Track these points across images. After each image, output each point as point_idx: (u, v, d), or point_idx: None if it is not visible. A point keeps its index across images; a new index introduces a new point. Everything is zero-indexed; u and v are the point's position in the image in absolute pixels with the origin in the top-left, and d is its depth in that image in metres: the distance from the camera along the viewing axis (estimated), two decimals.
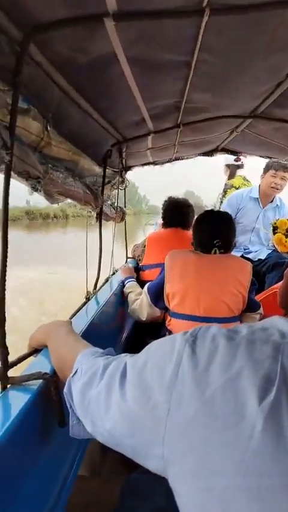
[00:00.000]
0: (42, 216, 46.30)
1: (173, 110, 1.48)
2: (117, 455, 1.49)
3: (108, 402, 0.58)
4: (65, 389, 0.71)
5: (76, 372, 0.70)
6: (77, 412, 0.69)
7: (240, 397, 0.41)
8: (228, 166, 3.72)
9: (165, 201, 2.45)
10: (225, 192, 3.61)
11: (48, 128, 0.98)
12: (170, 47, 0.92)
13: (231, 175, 3.69)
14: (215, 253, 1.57)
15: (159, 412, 0.47)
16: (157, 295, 1.67)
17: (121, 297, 1.99)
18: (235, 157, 3.45)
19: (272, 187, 2.92)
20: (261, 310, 1.68)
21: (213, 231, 1.61)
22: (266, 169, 2.91)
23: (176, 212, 2.38)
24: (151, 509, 0.77)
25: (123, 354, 0.66)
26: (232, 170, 3.70)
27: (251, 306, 1.60)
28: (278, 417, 0.39)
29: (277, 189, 2.92)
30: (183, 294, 1.55)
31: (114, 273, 2.32)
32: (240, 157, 3.44)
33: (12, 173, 0.80)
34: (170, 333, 1.64)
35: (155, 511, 0.77)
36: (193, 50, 0.93)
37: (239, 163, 3.67)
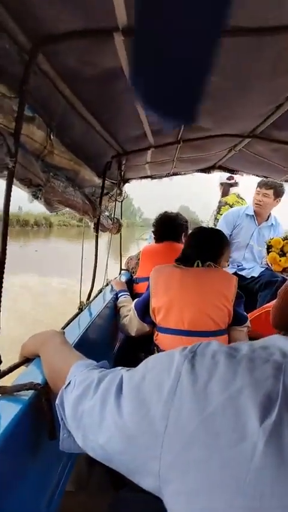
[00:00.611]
0: (20, 223, 40.51)
1: (174, 126, 1.50)
2: (104, 471, 1.48)
3: (102, 416, 0.56)
4: (57, 401, 0.69)
5: (69, 383, 0.69)
6: (69, 425, 0.67)
7: (241, 416, 0.40)
8: (222, 184, 3.77)
9: (157, 216, 2.46)
10: (219, 209, 3.65)
11: (52, 137, 0.98)
12: None
13: (225, 193, 3.74)
14: (197, 266, 1.57)
15: (156, 428, 0.46)
16: (144, 311, 1.66)
17: (114, 309, 1.97)
18: (228, 175, 3.53)
19: (255, 204, 2.99)
20: (248, 323, 1.66)
21: (198, 245, 1.63)
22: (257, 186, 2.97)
23: (168, 226, 2.38)
24: None
25: (118, 368, 0.65)
26: (225, 188, 3.76)
27: (237, 320, 1.57)
28: (279, 438, 0.38)
29: (259, 205, 2.96)
30: (168, 308, 1.54)
31: (107, 284, 2.30)
32: (235, 175, 3.52)
33: (14, 180, 0.80)
34: (158, 347, 1.63)
35: None
36: None
37: (232, 181, 3.73)
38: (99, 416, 0.57)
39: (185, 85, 0.36)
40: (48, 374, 0.82)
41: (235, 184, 3.75)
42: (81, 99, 1.07)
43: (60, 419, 0.69)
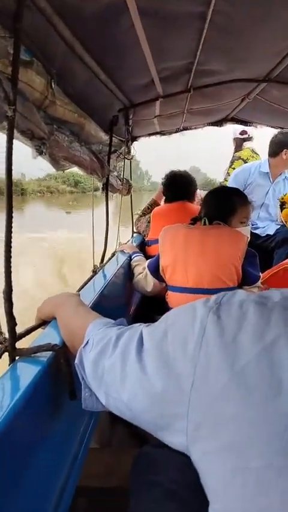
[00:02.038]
0: None
1: (184, 72, 1.40)
2: (126, 428, 1.52)
3: (124, 373, 0.55)
4: (76, 361, 0.69)
5: (87, 342, 0.68)
6: (90, 384, 0.66)
7: (276, 370, 0.37)
8: (235, 139, 3.60)
9: (166, 175, 2.41)
10: (232, 163, 3.50)
11: (53, 85, 0.91)
12: None
13: (238, 148, 3.57)
14: (204, 223, 1.55)
15: (182, 385, 0.44)
16: (156, 269, 1.68)
17: (128, 272, 1.96)
18: (241, 130, 3.35)
19: None
20: (259, 283, 1.62)
21: (206, 204, 1.62)
22: (281, 147, 2.73)
23: (179, 185, 2.32)
24: (164, 483, 0.75)
25: (136, 324, 0.63)
26: (238, 142, 3.58)
27: (246, 279, 1.54)
28: None
29: None
30: (174, 266, 1.55)
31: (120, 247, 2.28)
32: (248, 129, 3.34)
33: (15, 133, 0.74)
34: (168, 306, 1.65)
35: (168, 484, 0.74)
36: None
37: (245, 136, 3.55)
38: (121, 374, 0.55)
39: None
40: (66, 335, 0.81)
41: (248, 138, 3.57)
42: (82, 41, 0.98)
43: (80, 378, 0.69)
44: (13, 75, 0.70)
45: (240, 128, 3.33)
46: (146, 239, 2.45)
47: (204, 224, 1.56)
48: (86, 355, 0.67)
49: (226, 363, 0.40)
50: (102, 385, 0.61)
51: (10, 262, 0.77)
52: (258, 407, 0.36)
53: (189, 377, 0.44)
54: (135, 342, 0.55)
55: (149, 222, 2.44)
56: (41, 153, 0.90)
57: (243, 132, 3.50)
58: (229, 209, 1.58)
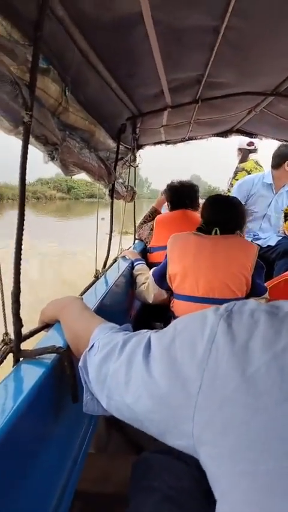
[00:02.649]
0: None
1: (193, 83, 1.42)
2: (122, 434, 1.51)
3: (129, 376, 0.55)
4: (80, 364, 0.69)
5: (93, 346, 0.68)
6: (92, 387, 0.66)
7: (286, 376, 0.38)
8: (240, 150, 3.62)
9: (169, 184, 2.43)
10: (235, 174, 3.53)
11: (67, 93, 0.93)
12: (201, 8, 0.86)
13: (243, 159, 3.60)
14: (215, 233, 1.54)
15: (189, 388, 0.45)
16: (161, 277, 1.66)
17: (130, 278, 1.96)
18: (248, 141, 3.37)
19: None
20: (266, 295, 1.64)
21: (215, 214, 1.60)
22: (283, 159, 2.75)
23: (184, 193, 2.35)
24: (162, 489, 0.75)
25: (143, 330, 0.64)
26: (244, 154, 3.61)
27: (255, 290, 1.54)
28: None
29: None
30: (183, 274, 1.53)
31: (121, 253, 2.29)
32: (254, 141, 3.37)
33: (30, 138, 0.76)
34: (174, 314, 1.64)
35: (166, 490, 0.75)
36: (224, 14, 0.87)
37: (252, 147, 3.59)
38: (126, 377, 0.56)
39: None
40: (70, 338, 0.82)
41: (254, 150, 3.61)
42: (96, 50, 1.00)
43: (83, 382, 0.69)
44: (31, 81, 0.72)
45: (247, 139, 3.37)
46: (148, 246, 2.46)
47: (215, 234, 1.55)
48: (90, 359, 0.67)
49: (236, 369, 0.41)
50: (105, 389, 0.61)
51: (20, 264, 0.77)
52: (267, 411, 0.37)
53: (196, 381, 0.44)
54: (143, 347, 0.56)
55: (151, 229, 2.46)
56: (52, 158, 0.92)
57: (250, 144, 3.53)
58: (240, 220, 1.61)
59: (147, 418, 0.53)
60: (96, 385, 0.64)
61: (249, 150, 3.59)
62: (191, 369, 0.46)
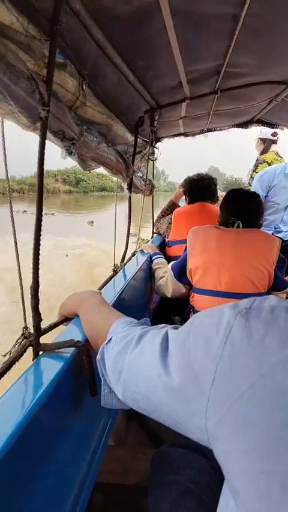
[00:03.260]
0: None
1: (212, 74, 1.39)
2: (142, 427, 1.52)
3: (143, 369, 0.55)
4: (98, 357, 0.70)
5: (111, 339, 0.68)
6: (109, 380, 0.67)
7: None
8: (263, 140, 3.50)
9: (187, 178, 2.41)
10: (256, 167, 3.44)
11: (84, 87, 0.92)
12: None
13: (265, 150, 3.49)
14: (237, 227, 1.52)
15: (201, 382, 0.44)
16: (181, 272, 1.65)
17: (148, 272, 1.96)
18: (272, 131, 3.27)
19: None
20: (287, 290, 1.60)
21: (235, 208, 1.56)
22: None
23: (204, 187, 2.32)
24: (182, 483, 0.75)
25: (161, 325, 0.64)
26: (268, 145, 3.50)
27: (277, 284, 1.51)
28: None
29: None
30: (205, 268, 1.52)
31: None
32: (277, 131, 3.26)
33: (47, 133, 0.76)
34: (194, 309, 1.63)
35: (186, 483, 0.75)
36: (244, 0, 0.85)
37: (276, 138, 3.48)
38: (142, 368, 0.56)
39: None
40: (89, 332, 0.82)
41: (276, 141, 3.51)
42: (113, 43, 0.99)
43: (101, 375, 0.70)
44: (48, 77, 0.71)
45: (269, 129, 3.27)
46: (166, 240, 2.45)
47: (238, 227, 1.52)
48: (108, 352, 0.67)
49: (252, 364, 0.40)
50: (121, 381, 0.61)
51: (38, 259, 0.78)
52: (286, 410, 0.36)
53: (209, 375, 0.43)
54: (159, 341, 0.56)
55: (169, 223, 2.44)
56: (70, 153, 0.92)
57: (275, 134, 3.43)
58: (260, 214, 1.58)
59: (162, 410, 0.53)
60: (113, 377, 0.65)
61: (272, 140, 3.48)
62: (204, 363, 0.45)
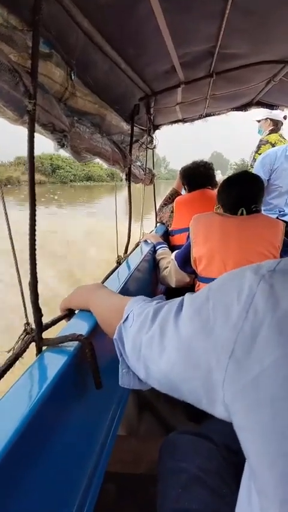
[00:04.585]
0: None
1: (206, 56, 1.36)
2: (153, 416, 1.54)
3: (162, 344, 0.53)
4: (115, 336, 0.68)
5: (127, 317, 0.67)
6: (129, 359, 0.65)
7: None
8: (274, 121, 3.37)
9: (182, 167, 2.40)
10: (259, 148, 3.37)
11: (73, 77, 0.91)
12: None
13: (275, 131, 3.39)
14: (241, 214, 1.49)
15: (219, 351, 0.42)
16: (185, 261, 1.63)
17: (152, 262, 1.95)
18: (284, 114, 3.19)
19: None
20: None
21: (239, 192, 1.53)
22: None
23: (198, 173, 2.30)
24: (191, 469, 0.76)
25: (178, 298, 0.60)
26: (279, 126, 3.41)
27: None
28: None
29: None
30: (209, 257, 1.50)
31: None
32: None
33: (36, 126, 0.75)
34: None
35: (195, 470, 0.75)
36: None
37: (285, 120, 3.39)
38: (159, 346, 0.54)
39: None
40: (103, 317, 0.81)
41: (282, 123, 3.42)
42: (101, 31, 0.96)
43: (119, 354, 0.68)
44: (32, 68, 0.70)
45: (280, 111, 3.16)
46: (169, 229, 2.44)
47: (241, 214, 1.50)
48: (126, 330, 0.66)
49: (278, 339, 0.36)
50: (141, 359, 0.59)
51: (35, 254, 0.78)
52: None
53: (228, 345, 0.41)
54: (174, 312, 0.53)
55: (172, 211, 2.42)
56: (62, 145, 0.90)
57: (286, 117, 3.34)
58: (261, 197, 1.56)
59: (183, 387, 0.51)
60: (133, 356, 0.63)
61: (282, 123, 3.39)
62: (223, 331, 0.42)
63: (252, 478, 0.38)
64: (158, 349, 0.54)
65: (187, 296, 0.55)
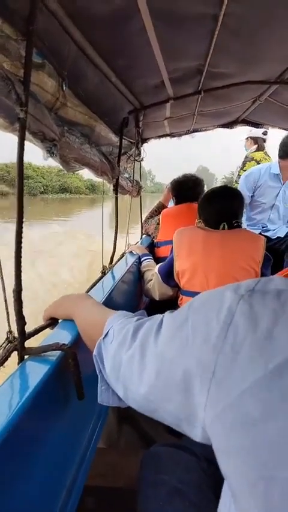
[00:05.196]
0: None
1: (194, 73, 1.39)
2: (134, 429, 1.52)
3: (143, 364, 0.52)
4: (95, 352, 0.67)
5: (107, 333, 0.66)
6: (108, 377, 0.64)
7: None
8: (254, 139, 3.50)
9: (173, 179, 2.43)
10: (244, 164, 3.47)
11: (64, 87, 0.92)
12: None
13: (261, 149, 3.50)
14: (223, 228, 1.52)
15: (201, 372, 0.40)
16: (168, 274, 1.64)
17: (137, 274, 1.95)
18: (262, 130, 3.29)
19: None
20: None
21: (220, 207, 1.55)
22: None
23: (188, 187, 2.33)
24: (171, 482, 0.75)
25: (158, 315, 0.59)
26: (260, 143, 3.52)
27: None
28: None
29: None
30: (192, 270, 1.51)
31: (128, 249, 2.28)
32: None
33: (27, 134, 0.75)
34: None
35: (175, 483, 0.74)
36: (222, 0, 0.85)
37: (266, 137, 3.51)
38: (139, 364, 0.52)
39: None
40: (85, 330, 0.80)
41: (265, 140, 3.54)
42: (93, 43, 0.98)
43: (98, 371, 0.67)
44: (25, 77, 0.70)
45: (259, 129, 3.28)
46: (155, 240, 2.46)
47: (223, 229, 1.52)
48: (105, 347, 0.65)
49: (258, 359, 0.36)
50: (120, 378, 0.58)
51: (20, 262, 0.77)
52: None
53: (209, 366, 0.40)
54: (154, 331, 0.52)
55: (158, 223, 2.45)
56: (52, 154, 0.91)
57: (265, 133, 3.45)
58: (241, 211, 1.58)
59: (162, 409, 0.49)
60: (112, 374, 0.62)
61: (263, 139, 3.51)
62: (202, 351, 0.41)
63: (232, 497, 0.37)
64: (137, 370, 0.53)
65: (167, 315, 0.54)
